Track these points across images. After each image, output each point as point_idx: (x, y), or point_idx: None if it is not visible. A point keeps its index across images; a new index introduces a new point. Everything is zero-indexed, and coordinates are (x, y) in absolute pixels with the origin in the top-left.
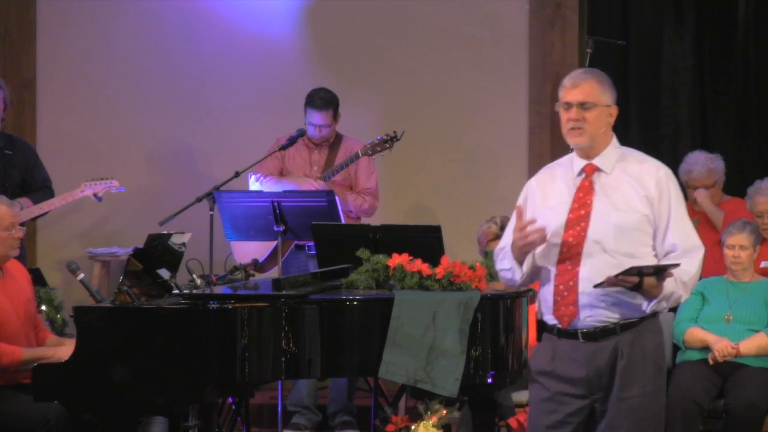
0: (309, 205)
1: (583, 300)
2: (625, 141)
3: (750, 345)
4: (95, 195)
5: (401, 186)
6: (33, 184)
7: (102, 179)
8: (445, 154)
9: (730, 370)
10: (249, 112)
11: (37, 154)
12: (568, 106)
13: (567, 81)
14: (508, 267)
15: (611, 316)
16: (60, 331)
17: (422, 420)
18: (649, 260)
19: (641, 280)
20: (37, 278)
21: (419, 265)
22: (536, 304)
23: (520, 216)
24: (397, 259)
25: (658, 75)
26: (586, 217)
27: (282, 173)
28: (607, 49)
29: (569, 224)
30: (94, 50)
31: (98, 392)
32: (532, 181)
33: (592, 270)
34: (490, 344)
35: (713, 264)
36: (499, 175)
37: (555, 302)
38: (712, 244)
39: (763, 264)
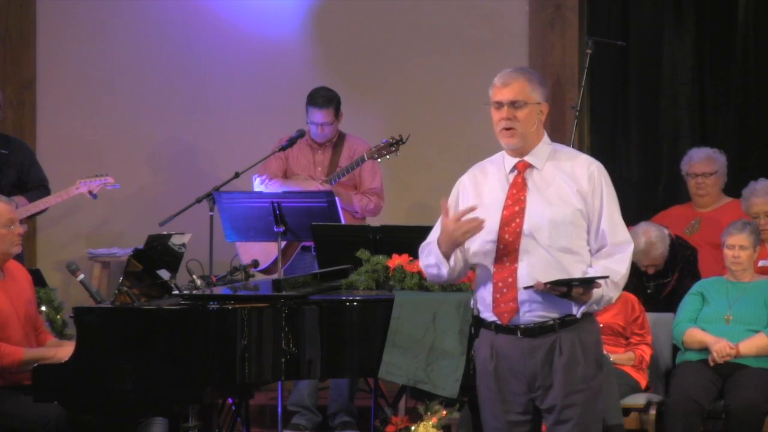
0: (309, 205)
1: (522, 296)
2: (625, 141)
3: (750, 345)
4: (90, 192)
5: (403, 186)
6: (29, 183)
7: (97, 176)
8: (446, 154)
9: (730, 370)
10: (250, 113)
11: (34, 153)
12: (499, 105)
13: (497, 80)
14: (433, 263)
15: (550, 313)
16: (60, 332)
17: (422, 421)
18: (585, 254)
19: (569, 289)
20: (37, 279)
21: (419, 266)
22: (473, 303)
23: (446, 212)
24: (397, 260)
25: (658, 75)
26: (520, 213)
27: (286, 174)
28: (607, 49)
29: (504, 221)
30: (94, 50)
31: (98, 393)
32: (464, 178)
33: (530, 266)
34: None
35: (714, 265)
36: None
37: (495, 299)
38: (712, 245)
39: (761, 263)
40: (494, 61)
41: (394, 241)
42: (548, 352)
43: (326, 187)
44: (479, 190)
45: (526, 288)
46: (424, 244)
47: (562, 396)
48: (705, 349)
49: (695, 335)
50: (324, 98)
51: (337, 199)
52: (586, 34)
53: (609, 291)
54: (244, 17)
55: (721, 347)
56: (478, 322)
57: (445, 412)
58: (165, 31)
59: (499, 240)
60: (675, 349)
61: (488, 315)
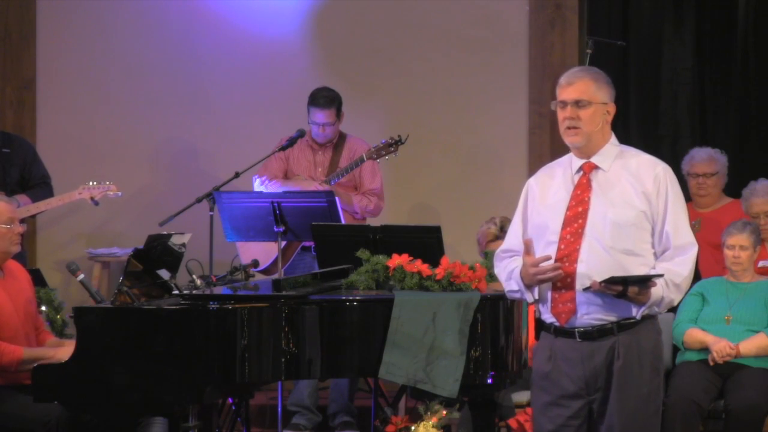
0: (309, 205)
1: (580, 297)
2: (625, 141)
3: (750, 345)
4: (92, 198)
5: (403, 186)
6: (31, 180)
7: (100, 183)
8: (445, 155)
9: (730, 370)
10: (250, 113)
11: (36, 150)
12: (564, 104)
13: (563, 79)
14: (516, 289)
15: (608, 316)
16: (60, 332)
17: (422, 420)
18: (648, 256)
19: (625, 288)
20: (37, 279)
21: (419, 266)
22: (535, 304)
23: (527, 249)
24: (397, 260)
25: (658, 75)
26: (583, 214)
27: (287, 175)
28: (607, 49)
29: (567, 221)
30: (94, 50)
31: (98, 393)
32: (532, 180)
33: (590, 267)
34: (490, 345)
35: (714, 265)
36: (499, 175)
37: (553, 299)
38: (713, 245)
39: (761, 263)
40: (494, 61)
41: (394, 241)
42: (607, 355)
43: (326, 187)
44: (545, 192)
45: (584, 290)
46: (499, 251)
47: (617, 400)
48: (705, 349)
49: (695, 335)
50: (326, 98)
51: (337, 199)
52: (586, 34)
53: (670, 293)
54: (244, 17)
55: (721, 347)
56: (539, 325)
57: (445, 412)
58: (165, 31)
59: (561, 240)
60: (675, 349)
61: (547, 316)
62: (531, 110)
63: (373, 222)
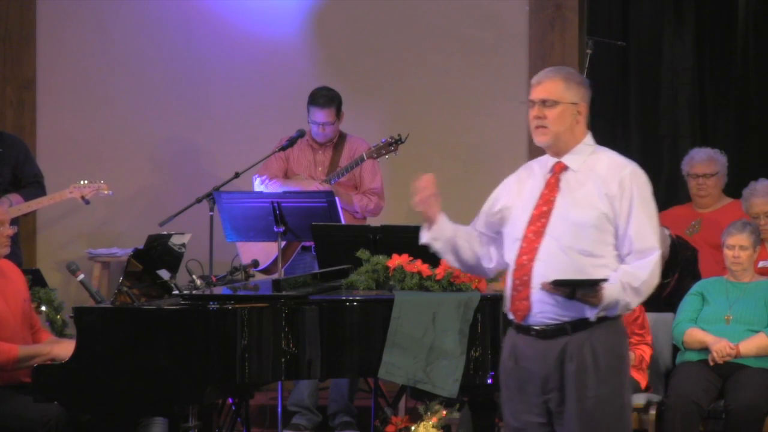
0: (309, 205)
1: (535, 296)
2: (625, 141)
3: (750, 345)
4: (83, 197)
5: (403, 186)
6: (24, 179)
7: (91, 182)
8: (446, 154)
9: (730, 370)
10: (250, 113)
11: (28, 148)
12: (532, 103)
13: (534, 79)
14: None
15: (562, 316)
16: (60, 332)
17: (422, 421)
18: (609, 258)
19: (573, 291)
20: (37, 279)
21: (419, 266)
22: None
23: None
24: (397, 260)
25: (658, 75)
26: (547, 214)
27: (287, 175)
28: (607, 50)
29: (532, 220)
30: (94, 50)
31: (98, 393)
32: (512, 177)
33: (547, 266)
34: (490, 345)
35: (714, 265)
36: (499, 175)
37: (512, 297)
38: (713, 246)
39: (761, 264)
40: (494, 61)
41: (394, 241)
42: (559, 355)
43: (326, 186)
44: (522, 188)
45: (541, 289)
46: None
47: (570, 401)
48: (705, 349)
49: (695, 335)
50: (325, 98)
51: (337, 199)
52: (586, 34)
53: (626, 296)
54: (244, 17)
55: (721, 347)
56: (506, 320)
57: (445, 412)
58: (165, 31)
59: (524, 238)
60: (675, 349)
61: (509, 313)
62: None
63: (373, 222)
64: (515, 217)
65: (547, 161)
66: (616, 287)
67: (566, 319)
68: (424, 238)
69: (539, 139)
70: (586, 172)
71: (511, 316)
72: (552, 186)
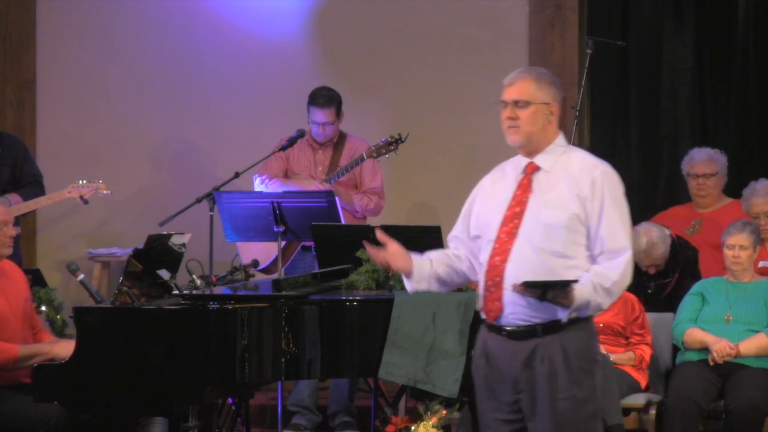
0: (309, 205)
1: (507, 297)
2: (625, 141)
3: (750, 345)
4: (81, 197)
5: (403, 186)
6: (23, 179)
7: (90, 182)
8: (446, 154)
9: (730, 370)
10: (250, 113)
11: (27, 148)
12: (504, 104)
13: (506, 79)
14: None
15: (533, 317)
16: (60, 332)
17: (422, 421)
18: (581, 259)
19: (544, 292)
20: (37, 279)
21: None
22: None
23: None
24: None
25: (658, 75)
26: (519, 215)
27: (287, 174)
28: (607, 49)
29: (504, 221)
30: (94, 50)
31: (98, 393)
32: (486, 179)
33: (519, 267)
34: None
35: (714, 265)
36: None
37: (484, 297)
38: (713, 246)
39: (761, 264)
40: (494, 61)
41: None
42: (529, 356)
43: (326, 186)
44: (494, 190)
45: (512, 291)
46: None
47: (542, 403)
48: (705, 349)
49: (695, 335)
50: (325, 98)
51: (337, 198)
52: (586, 34)
53: (597, 296)
54: (244, 17)
55: (721, 347)
56: (479, 319)
57: (445, 412)
58: (165, 31)
59: (497, 239)
60: (675, 349)
61: (481, 312)
62: None
63: (373, 222)
64: (488, 218)
65: (519, 162)
66: (587, 288)
67: (537, 320)
68: (410, 287)
69: (512, 139)
70: (558, 173)
71: (483, 316)
72: (524, 187)
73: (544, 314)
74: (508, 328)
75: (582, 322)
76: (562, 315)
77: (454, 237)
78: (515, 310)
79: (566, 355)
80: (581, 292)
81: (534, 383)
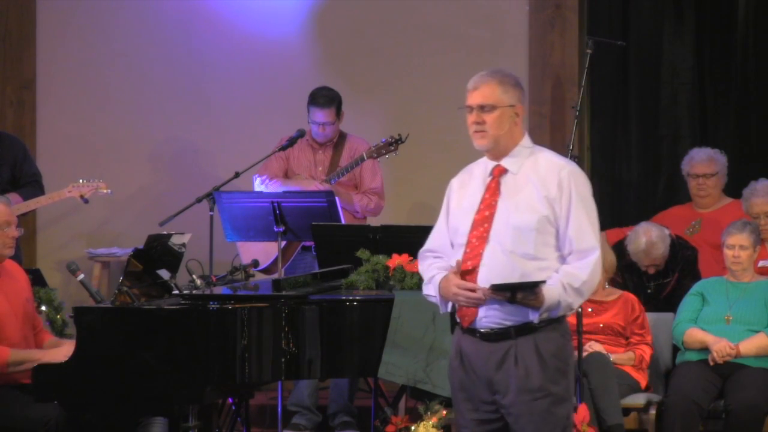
0: (309, 205)
1: None
2: (625, 141)
3: (750, 345)
4: (81, 196)
5: (403, 186)
6: (22, 179)
7: (89, 181)
8: (446, 154)
9: (730, 370)
10: (250, 113)
11: (26, 148)
12: (470, 109)
13: (470, 83)
14: (433, 295)
15: (507, 320)
16: (60, 332)
17: (422, 420)
18: (552, 260)
19: (513, 294)
20: (37, 279)
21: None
22: None
23: (457, 269)
24: (397, 260)
25: (658, 75)
26: (489, 218)
27: (287, 174)
28: (607, 49)
29: (474, 225)
30: (94, 50)
31: (98, 393)
32: (454, 181)
33: (491, 271)
34: None
35: (714, 265)
36: None
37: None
38: (713, 246)
39: (761, 263)
40: (494, 61)
41: (394, 241)
42: (503, 358)
43: (326, 186)
44: (462, 194)
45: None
46: (424, 253)
47: (518, 404)
48: (705, 349)
49: (695, 335)
50: (325, 98)
51: (337, 199)
52: (586, 34)
53: (567, 297)
54: (244, 17)
55: (721, 347)
56: (452, 319)
57: (445, 412)
58: (165, 31)
59: (467, 243)
60: (675, 349)
61: (457, 317)
62: (531, 110)
63: (373, 222)
64: (457, 223)
65: (486, 164)
66: (557, 288)
67: (510, 323)
68: (443, 309)
69: (479, 143)
70: (525, 175)
71: (458, 320)
72: (493, 190)
73: (517, 317)
74: (482, 330)
75: (555, 323)
76: (533, 316)
77: (431, 251)
78: (489, 314)
79: (540, 355)
80: (551, 293)
81: (509, 384)
